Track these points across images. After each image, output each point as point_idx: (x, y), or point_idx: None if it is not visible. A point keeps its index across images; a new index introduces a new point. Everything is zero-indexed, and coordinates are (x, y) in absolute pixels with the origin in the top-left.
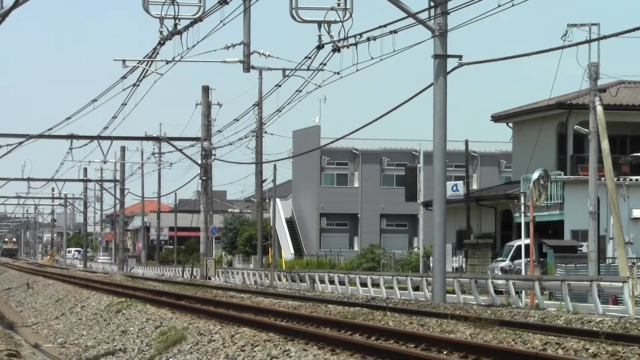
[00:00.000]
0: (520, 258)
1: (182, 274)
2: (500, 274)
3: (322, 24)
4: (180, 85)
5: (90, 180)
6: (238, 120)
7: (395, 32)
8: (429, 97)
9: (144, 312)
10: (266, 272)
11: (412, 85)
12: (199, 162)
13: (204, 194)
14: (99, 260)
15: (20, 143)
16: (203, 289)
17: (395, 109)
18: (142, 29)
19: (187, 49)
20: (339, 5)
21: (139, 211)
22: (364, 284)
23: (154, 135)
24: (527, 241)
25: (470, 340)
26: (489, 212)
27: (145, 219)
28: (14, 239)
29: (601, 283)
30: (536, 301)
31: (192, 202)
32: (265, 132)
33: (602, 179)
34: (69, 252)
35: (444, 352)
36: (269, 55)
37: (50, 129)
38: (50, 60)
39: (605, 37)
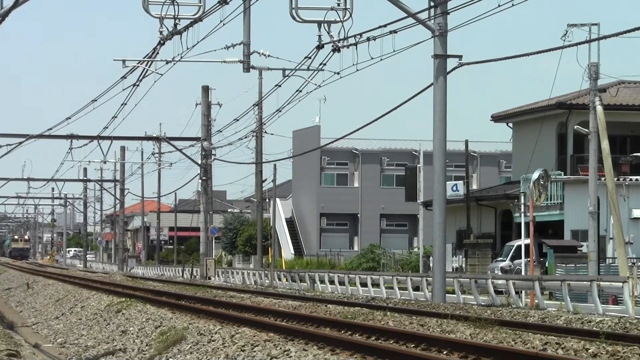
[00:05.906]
0: (520, 258)
1: (182, 274)
2: (500, 274)
3: (322, 24)
4: (180, 85)
5: (90, 180)
6: (238, 120)
7: (395, 32)
8: (429, 97)
9: (144, 312)
10: (266, 272)
11: (412, 85)
12: (199, 162)
13: (204, 194)
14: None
15: (20, 143)
16: (203, 289)
17: (395, 109)
18: (142, 29)
19: (187, 49)
20: (339, 5)
21: (138, 211)
22: (364, 284)
23: (154, 135)
24: (527, 241)
25: (470, 340)
26: (489, 212)
27: (145, 219)
28: (26, 237)
29: (601, 283)
30: (536, 301)
31: (192, 202)
32: (265, 132)
33: (602, 179)
34: (69, 252)
35: (444, 352)
36: (269, 55)
37: (50, 129)
38: (50, 60)
39: (605, 37)
